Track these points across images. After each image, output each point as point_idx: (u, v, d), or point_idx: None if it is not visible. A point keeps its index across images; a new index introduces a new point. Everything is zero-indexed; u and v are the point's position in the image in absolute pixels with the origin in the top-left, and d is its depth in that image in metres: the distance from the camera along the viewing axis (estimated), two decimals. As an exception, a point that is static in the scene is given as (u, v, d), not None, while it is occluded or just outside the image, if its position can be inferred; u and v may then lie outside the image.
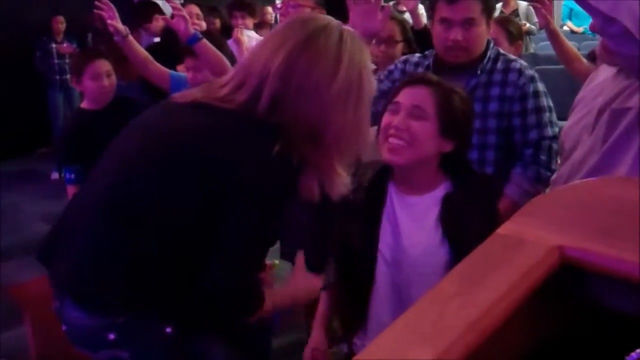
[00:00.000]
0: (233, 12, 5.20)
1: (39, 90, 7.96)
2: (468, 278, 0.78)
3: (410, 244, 1.81)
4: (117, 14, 3.16)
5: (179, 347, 1.53)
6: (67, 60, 7.58)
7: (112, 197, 1.51)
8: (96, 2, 3.15)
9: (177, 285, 1.49)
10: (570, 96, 6.27)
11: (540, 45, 8.32)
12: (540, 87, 2.35)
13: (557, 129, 2.34)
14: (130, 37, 3.21)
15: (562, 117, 4.10)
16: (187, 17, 2.95)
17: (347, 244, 1.90)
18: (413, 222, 1.83)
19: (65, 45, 7.61)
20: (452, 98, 1.80)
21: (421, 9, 6.44)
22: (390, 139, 1.78)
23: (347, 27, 1.59)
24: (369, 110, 1.59)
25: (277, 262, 2.07)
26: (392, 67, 2.54)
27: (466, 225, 1.77)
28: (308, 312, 2.35)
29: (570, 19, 9.73)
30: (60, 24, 7.80)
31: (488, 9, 2.31)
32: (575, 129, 1.75)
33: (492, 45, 2.39)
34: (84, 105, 3.30)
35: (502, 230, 0.83)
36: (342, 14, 2.91)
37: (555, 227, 0.81)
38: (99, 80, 3.14)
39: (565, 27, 10.33)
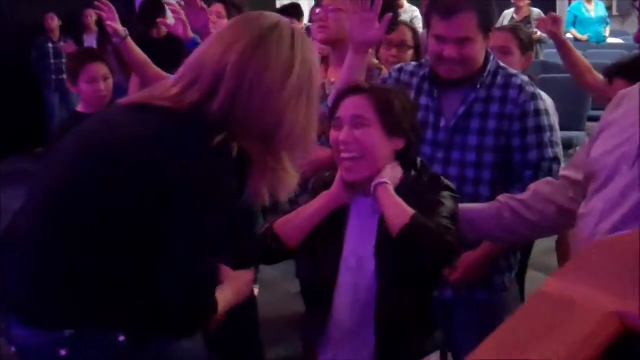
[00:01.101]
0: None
1: (35, 90, 7.86)
2: (511, 346, 0.67)
3: (369, 248, 1.82)
4: (116, 15, 3.06)
5: (135, 354, 1.46)
6: (63, 60, 7.47)
7: (50, 207, 1.48)
8: (95, 3, 3.05)
9: (124, 295, 1.44)
10: (579, 105, 6.18)
11: (548, 53, 8.24)
12: (542, 105, 2.23)
13: (558, 150, 2.25)
14: (129, 40, 3.10)
15: (572, 127, 3.96)
16: (186, 20, 2.85)
17: (312, 250, 1.90)
18: (371, 224, 1.84)
19: (67, 43, 7.47)
20: (389, 97, 1.84)
21: (416, 12, 6.37)
22: (343, 155, 1.81)
23: (297, 27, 1.58)
24: (317, 109, 1.61)
25: None
26: (386, 75, 2.45)
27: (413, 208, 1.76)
28: (300, 326, 2.26)
29: (574, 26, 9.63)
30: (52, 20, 7.68)
31: (485, 24, 2.17)
32: (610, 157, 1.61)
33: (492, 58, 2.27)
34: (80, 108, 3.20)
35: (548, 288, 0.71)
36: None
37: (610, 286, 0.69)
38: (95, 84, 3.04)
39: (569, 35, 10.24)
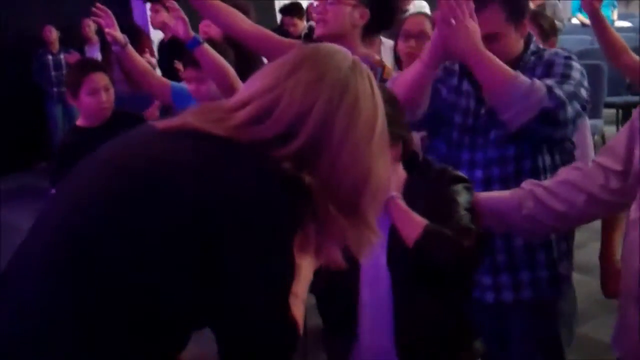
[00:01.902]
0: (283, 18, 4.98)
1: (37, 102, 7.77)
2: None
3: (382, 257, 1.73)
4: (115, 22, 2.95)
5: None
6: (64, 72, 7.36)
7: (64, 248, 1.20)
8: (93, 10, 2.94)
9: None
10: (595, 92, 6.09)
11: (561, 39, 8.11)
12: (576, 64, 2.06)
13: (577, 100, 1.99)
14: (130, 47, 2.99)
15: (591, 115, 3.79)
16: (186, 18, 2.71)
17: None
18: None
19: (71, 54, 7.36)
20: None
21: (425, 7, 6.25)
22: None
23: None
24: None
25: None
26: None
27: (425, 214, 1.67)
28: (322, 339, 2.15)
29: (580, 11, 9.47)
30: (50, 32, 7.58)
31: (515, 15, 2.04)
32: None
33: (533, 39, 2.14)
34: (80, 122, 3.08)
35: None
36: (389, 12, 2.66)
37: None
38: (97, 96, 2.92)
39: (574, 20, 10.12)
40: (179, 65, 3.34)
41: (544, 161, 2.09)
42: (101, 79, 2.93)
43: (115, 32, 2.92)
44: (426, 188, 1.75)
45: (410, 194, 1.73)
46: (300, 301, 1.38)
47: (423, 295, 1.69)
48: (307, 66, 1.29)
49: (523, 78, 1.93)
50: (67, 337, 1.16)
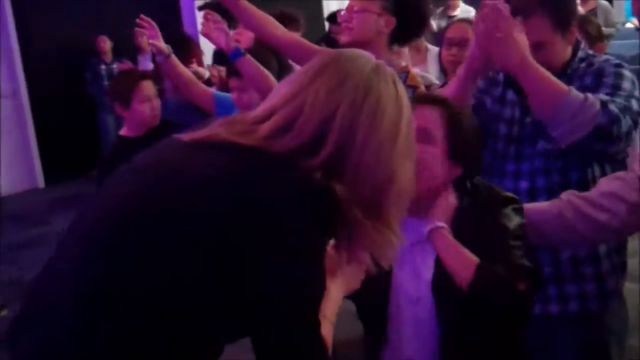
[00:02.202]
0: (330, 26, 4.99)
1: (90, 111, 7.93)
2: None
3: (424, 281, 1.68)
4: (159, 33, 2.99)
5: None
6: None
7: (93, 271, 1.19)
8: (138, 21, 2.98)
9: None
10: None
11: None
12: (627, 73, 1.98)
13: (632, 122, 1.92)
14: (173, 57, 3.02)
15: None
16: (227, 30, 2.74)
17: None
18: (429, 252, 1.68)
19: (124, 63, 7.48)
20: (461, 119, 1.71)
21: (472, 12, 6.18)
22: None
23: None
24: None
25: None
26: None
27: (475, 244, 1.61)
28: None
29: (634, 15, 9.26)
30: (103, 43, 7.72)
31: (562, 23, 1.98)
32: None
33: (581, 46, 2.08)
34: (124, 132, 3.12)
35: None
36: (417, 21, 2.64)
37: None
38: (149, 103, 2.97)
39: (629, 25, 9.88)
40: (213, 71, 3.36)
41: (594, 172, 2.03)
42: (151, 86, 3.00)
43: (159, 42, 2.96)
44: (475, 214, 1.69)
45: (460, 222, 1.67)
46: (328, 323, 1.38)
47: (472, 327, 1.62)
48: (329, 72, 1.29)
49: (575, 93, 1.85)
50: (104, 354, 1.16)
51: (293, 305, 1.21)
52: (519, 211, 1.70)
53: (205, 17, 2.81)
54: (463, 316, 1.60)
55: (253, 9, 2.67)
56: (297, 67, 2.79)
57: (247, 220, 1.17)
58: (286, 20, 4.99)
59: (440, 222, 1.65)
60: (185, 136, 1.30)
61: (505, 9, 1.82)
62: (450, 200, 1.71)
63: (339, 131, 1.23)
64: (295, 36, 2.78)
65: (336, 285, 1.48)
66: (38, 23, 7.93)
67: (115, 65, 7.65)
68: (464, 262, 1.58)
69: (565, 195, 1.83)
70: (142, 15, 2.99)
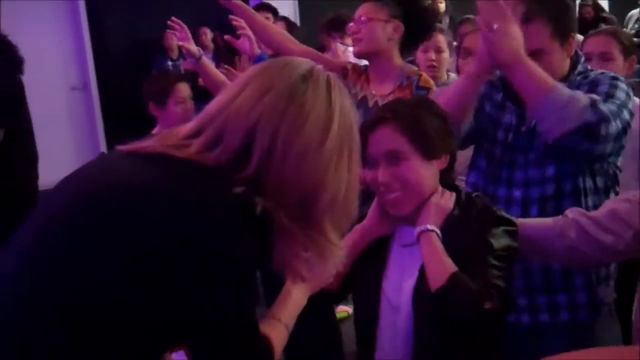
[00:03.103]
0: (331, 31, 4.97)
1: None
2: None
3: (408, 286, 1.69)
4: (190, 35, 3.04)
5: None
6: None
7: (29, 280, 1.22)
8: (169, 23, 3.04)
9: None
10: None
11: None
12: (623, 85, 1.97)
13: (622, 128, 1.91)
14: (204, 59, 3.07)
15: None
16: (252, 36, 2.78)
17: (353, 285, 1.79)
18: (414, 258, 1.69)
19: (187, 61, 7.60)
20: (419, 120, 1.69)
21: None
22: (385, 196, 1.68)
23: (331, 73, 1.36)
24: (359, 166, 1.39)
25: None
26: None
27: (457, 255, 1.62)
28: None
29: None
30: (170, 39, 7.84)
31: (561, 32, 1.98)
32: None
33: (582, 60, 2.09)
34: (156, 132, 3.18)
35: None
36: (424, 27, 2.65)
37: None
38: (185, 104, 3.05)
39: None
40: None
41: (585, 183, 2.03)
42: (186, 88, 3.07)
43: (190, 45, 3.01)
44: (464, 226, 1.69)
45: (448, 230, 1.68)
46: (282, 326, 1.41)
47: (445, 342, 1.63)
48: (253, 83, 1.30)
49: (564, 89, 1.87)
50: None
51: (223, 315, 1.24)
52: (511, 234, 1.69)
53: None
54: (439, 330, 1.61)
55: (268, 23, 2.75)
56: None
57: (175, 231, 1.18)
58: (340, 24, 5.02)
59: (432, 226, 1.66)
60: (126, 147, 1.33)
61: (503, 1, 1.82)
62: (443, 202, 1.72)
63: (261, 142, 1.24)
64: (312, 50, 2.89)
65: (298, 288, 1.50)
66: (110, 18, 8.16)
67: (180, 62, 7.77)
68: (441, 268, 1.59)
69: (570, 213, 1.82)
70: (173, 18, 3.04)
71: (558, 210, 1.98)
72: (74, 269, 1.20)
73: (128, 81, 8.16)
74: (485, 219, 1.69)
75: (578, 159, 1.98)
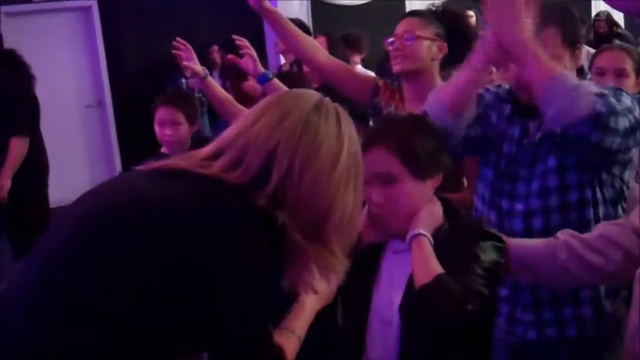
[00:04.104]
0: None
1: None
2: None
3: (397, 297, 1.69)
4: (194, 55, 3.06)
5: None
6: (196, 95, 7.63)
7: (53, 284, 1.29)
8: (173, 43, 3.06)
9: None
10: None
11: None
12: (627, 96, 1.94)
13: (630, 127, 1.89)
14: (209, 79, 3.09)
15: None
16: (255, 55, 2.78)
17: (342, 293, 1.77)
18: (404, 268, 1.69)
19: (194, 80, 7.66)
20: (410, 141, 1.70)
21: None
22: (377, 215, 1.70)
23: (337, 104, 1.47)
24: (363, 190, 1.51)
25: None
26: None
27: (443, 264, 1.62)
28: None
29: None
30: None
31: (571, 40, 2.00)
32: None
33: (588, 77, 2.05)
34: (163, 150, 3.22)
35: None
36: (464, 46, 2.60)
37: None
38: (163, 128, 3.07)
39: None
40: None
41: (591, 195, 2.01)
42: (168, 113, 3.08)
43: (195, 64, 3.02)
44: (454, 238, 1.70)
45: (438, 241, 1.69)
46: (295, 337, 1.50)
47: (431, 355, 1.64)
48: (271, 111, 1.41)
49: (570, 76, 1.87)
50: None
51: (241, 326, 1.32)
52: (499, 250, 1.69)
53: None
54: (424, 341, 1.62)
55: (299, 33, 2.70)
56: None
57: (200, 243, 1.27)
58: (348, 42, 5.03)
59: (424, 230, 1.67)
60: (145, 167, 1.42)
61: None
62: (435, 211, 1.73)
63: (280, 165, 1.35)
64: (341, 63, 2.82)
65: (311, 300, 1.59)
66: (125, 36, 8.24)
67: (187, 80, 7.81)
68: (428, 269, 1.60)
69: (561, 235, 1.81)
70: (177, 38, 3.06)
71: (564, 223, 1.98)
72: (98, 281, 1.27)
73: (143, 99, 8.20)
74: (474, 233, 1.71)
75: (587, 151, 1.93)
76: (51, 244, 1.36)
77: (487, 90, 2.19)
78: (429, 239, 1.67)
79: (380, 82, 2.77)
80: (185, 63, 3.02)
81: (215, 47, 7.65)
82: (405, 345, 1.65)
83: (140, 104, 8.11)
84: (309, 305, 1.59)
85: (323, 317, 1.68)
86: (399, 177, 1.69)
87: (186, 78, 8.00)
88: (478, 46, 1.97)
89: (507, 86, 2.18)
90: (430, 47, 2.53)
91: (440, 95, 2.04)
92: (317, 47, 2.78)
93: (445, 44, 2.55)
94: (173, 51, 3.05)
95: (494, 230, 1.75)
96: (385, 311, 1.71)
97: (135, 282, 1.26)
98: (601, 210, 2.02)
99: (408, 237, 1.68)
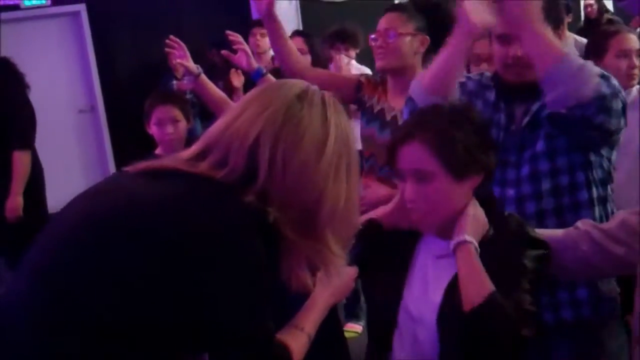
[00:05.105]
0: (335, 43, 4.99)
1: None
2: None
3: (435, 297, 1.62)
4: (188, 53, 3.05)
5: None
6: (188, 97, 7.61)
7: (45, 292, 1.26)
8: (166, 41, 3.05)
9: None
10: None
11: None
12: (614, 80, 1.94)
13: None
14: (203, 77, 3.08)
15: None
16: (249, 50, 2.79)
17: (371, 294, 1.76)
18: (441, 272, 1.64)
19: (185, 82, 7.65)
20: (450, 137, 1.60)
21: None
22: (412, 212, 1.62)
23: (326, 91, 1.43)
24: (359, 177, 1.44)
25: None
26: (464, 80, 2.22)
27: (490, 275, 1.55)
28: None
29: None
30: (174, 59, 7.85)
31: (552, 14, 1.98)
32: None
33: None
34: (158, 151, 3.19)
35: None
36: (447, 36, 2.63)
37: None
38: (163, 127, 3.05)
39: None
40: None
41: (585, 176, 2.03)
42: (169, 110, 3.05)
43: (188, 62, 3.02)
44: (498, 246, 1.61)
45: (484, 249, 1.60)
46: (304, 335, 1.46)
47: (469, 349, 1.56)
48: (253, 104, 1.37)
49: (574, 57, 1.88)
50: None
51: (237, 323, 1.29)
52: (544, 259, 1.64)
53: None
54: (465, 349, 1.55)
55: (292, 47, 2.76)
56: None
57: (193, 241, 1.24)
58: (345, 36, 5.03)
59: (470, 237, 1.59)
60: (132, 168, 1.39)
61: None
62: (479, 215, 1.65)
63: (263, 158, 1.31)
64: (323, 73, 2.96)
65: (323, 296, 1.55)
66: (115, 40, 8.22)
67: (185, 81, 7.79)
68: (479, 285, 1.52)
69: (582, 225, 1.78)
70: (171, 36, 3.06)
71: (557, 207, 2.01)
72: (88, 284, 1.24)
73: (135, 102, 8.15)
74: (520, 241, 1.63)
75: (589, 132, 1.94)
76: (42, 251, 1.32)
77: (469, 78, 2.20)
78: (475, 247, 1.58)
79: (363, 78, 2.83)
80: (178, 61, 3.02)
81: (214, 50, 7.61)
82: (445, 348, 1.58)
83: (132, 107, 8.08)
84: (321, 301, 1.54)
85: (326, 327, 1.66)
86: (433, 175, 1.60)
87: (177, 79, 8.00)
88: (458, 24, 1.99)
89: (488, 74, 2.19)
90: (412, 43, 2.58)
91: (423, 79, 2.06)
92: (303, 64, 2.87)
93: (427, 37, 2.60)
94: (166, 49, 3.05)
95: (539, 235, 1.68)
96: (414, 308, 1.65)
97: (130, 285, 1.23)
98: (594, 192, 2.04)
99: (453, 242, 1.60)
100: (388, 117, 2.66)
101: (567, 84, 1.83)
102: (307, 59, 3.83)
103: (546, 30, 1.88)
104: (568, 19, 5.55)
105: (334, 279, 1.55)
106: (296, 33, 5.04)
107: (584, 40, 4.80)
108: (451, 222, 1.65)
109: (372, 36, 2.63)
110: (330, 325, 2.92)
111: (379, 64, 2.62)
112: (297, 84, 1.42)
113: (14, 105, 4.11)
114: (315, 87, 1.42)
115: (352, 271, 1.63)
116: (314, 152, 1.33)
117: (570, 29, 5.88)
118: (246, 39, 7.31)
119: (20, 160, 4.05)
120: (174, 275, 1.22)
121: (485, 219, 1.65)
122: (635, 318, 1.53)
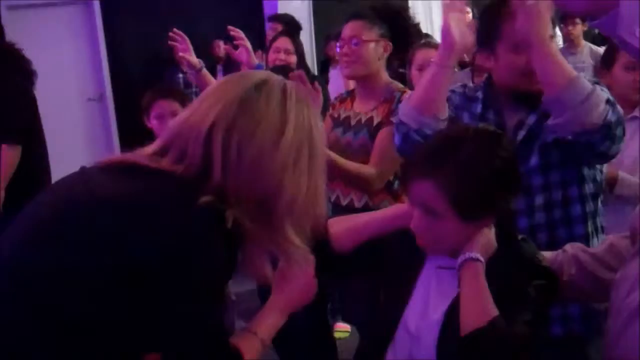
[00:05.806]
0: (331, 43, 5.02)
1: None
2: None
3: (435, 314, 1.57)
4: (190, 47, 3.10)
5: None
6: (194, 90, 7.64)
7: (6, 284, 1.28)
8: (170, 34, 3.10)
9: None
10: None
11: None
12: (620, 111, 1.93)
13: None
14: (204, 71, 3.13)
15: None
16: (250, 47, 2.84)
17: (372, 306, 1.72)
18: (444, 287, 1.59)
19: (189, 73, 7.66)
20: (467, 179, 1.50)
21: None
22: (418, 238, 1.58)
23: (289, 82, 1.41)
24: (324, 169, 1.41)
25: None
26: (450, 93, 2.20)
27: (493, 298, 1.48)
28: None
29: None
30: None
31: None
32: None
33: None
34: (156, 145, 3.23)
35: None
36: (407, 43, 2.71)
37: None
38: (163, 121, 3.07)
39: None
40: None
41: (578, 191, 2.03)
42: (169, 105, 3.09)
43: (190, 56, 3.06)
44: (505, 269, 1.54)
45: (490, 269, 1.53)
46: (257, 339, 1.45)
47: None
48: (212, 96, 1.37)
49: (585, 82, 1.85)
50: None
51: (190, 325, 1.28)
52: (551, 291, 1.58)
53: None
54: None
55: None
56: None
57: (148, 241, 1.24)
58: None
59: (478, 255, 1.52)
60: (101, 161, 1.40)
61: None
62: (488, 236, 1.57)
63: (216, 148, 1.29)
64: None
65: (279, 302, 1.54)
66: (126, 30, 8.23)
67: (181, 75, 7.81)
68: (482, 308, 1.45)
69: (570, 248, 1.75)
70: (175, 29, 3.11)
71: (550, 221, 2.01)
72: (46, 279, 1.25)
73: (144, 93, 8.23)
74: (529, 269, 1.56)
75: (593, 158, 1.95)
76: (9, 244, 1.34)
77: (453, 91, 2.19)
78: (483, 266, 1.51)
79: (336, 101, 2.91)
80: (180, 54, 3.07)
81: (219, 42, 7.64)
82: None
83: (141, 97, 8.16)
84: (276, 305, 1.53)
85: (311, 313, 1.65)
86: (443, 215, 1.52)
87: (183, 73, 8.04)
88: (441, 42, 2.00)
89: (471, 84, 2.20)
90: (376, 49, 2.64)
91: (411, 99, 2.05)
92: None
93: (390, 43, 2.67)
94: (169, 42, 3.10)
95: (548, 265, 1.62)
96: (413, 324, 1.59)
97: (87, 282, 1.24)
98: (587, 207, 2.04)
99: (461, 259, 1.53)
100: (353, 122, 2.72)
101: (575, 110, 1.81)
102: (292, 59, 3.85)
103: (555, 48, 1.85)
104: (584, 27, 5.56)
105: (290, 283, 1.54)
106: (283, 33, 5.08)
107: (600, 50, 4.79)
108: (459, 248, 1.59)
109: (338, 44, 2.72)
110: (319, 327, 2.96)
111: (345, 72, 2.71)
112: (258, 74, 1.40)
113: (10, 98, 3.66)
114: (278, 77, 1.40)
115: (310, 271, 1.57)
116: (269, 141, 1.31)
117: (586, 37, 5.88)
118: (261, 32, 7.43)
119: (6, 155, 3.65)
120: (129, 273, 1.23)
121: (494, 240, 1.58)
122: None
